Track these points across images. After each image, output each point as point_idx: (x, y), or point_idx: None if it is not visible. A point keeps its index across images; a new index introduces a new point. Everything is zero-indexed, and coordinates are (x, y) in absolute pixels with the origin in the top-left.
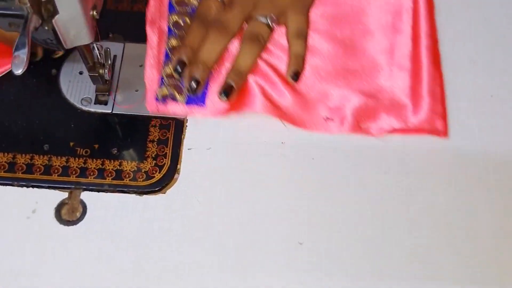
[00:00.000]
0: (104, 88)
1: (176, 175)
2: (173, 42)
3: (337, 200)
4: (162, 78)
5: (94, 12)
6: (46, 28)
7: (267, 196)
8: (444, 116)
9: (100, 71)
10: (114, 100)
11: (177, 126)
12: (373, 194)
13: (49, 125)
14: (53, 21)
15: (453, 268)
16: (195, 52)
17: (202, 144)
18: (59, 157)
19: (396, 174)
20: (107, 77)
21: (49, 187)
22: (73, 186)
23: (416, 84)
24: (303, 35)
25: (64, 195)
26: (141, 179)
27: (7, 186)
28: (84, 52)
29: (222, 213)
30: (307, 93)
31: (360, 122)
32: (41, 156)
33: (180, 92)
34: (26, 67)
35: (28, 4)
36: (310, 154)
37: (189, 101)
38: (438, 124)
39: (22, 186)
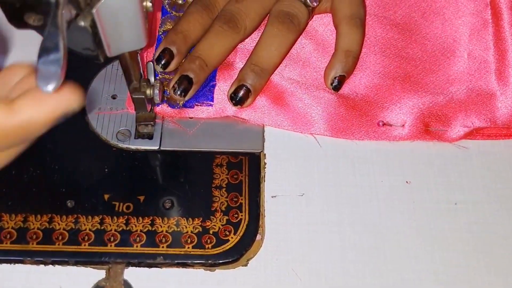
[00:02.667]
0: (149, 116)
1: (258, 236)
2: (168, 25)
3: (494, 259)
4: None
5: (148, 3)
6: (83, 24)
7: (395, 262)
8: None
9: (148, 91)
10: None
11: (252, 163)
12: None
13: (73, 171)
14: (94, 11)
15: None
16: (189, 42)
17: (291, 189)
18: (89, 218)
19: None
20: (157, 99)
21: (76, 263)
22: (111, 260)
23: (502, 70)
24: (360, 22)
25: (99, 274)
26: (210, 245)
27: (16, 264)
28: (128, 64)
29: None
30: (351, 93)
31: (428, 125)
32: (64, 217)
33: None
34: (62, 81)
35: None
36: (452, 198)
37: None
38: None
39: (37, 263)
